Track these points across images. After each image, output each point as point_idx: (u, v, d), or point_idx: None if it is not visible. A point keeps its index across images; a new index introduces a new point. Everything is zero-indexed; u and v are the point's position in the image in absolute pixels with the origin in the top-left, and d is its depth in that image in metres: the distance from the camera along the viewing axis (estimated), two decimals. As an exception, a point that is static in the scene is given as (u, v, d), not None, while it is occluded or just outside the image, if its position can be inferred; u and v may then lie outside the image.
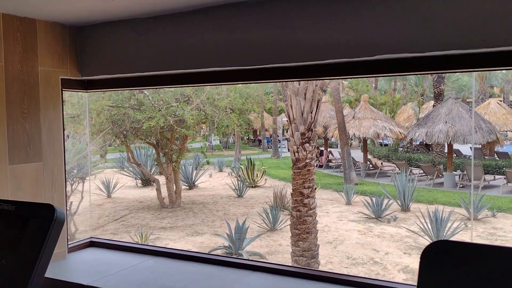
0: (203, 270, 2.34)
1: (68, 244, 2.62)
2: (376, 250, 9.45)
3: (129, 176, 17.75)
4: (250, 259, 3.65)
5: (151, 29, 2.35)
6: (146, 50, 2.38)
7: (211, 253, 8.81)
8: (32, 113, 2.34)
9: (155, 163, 15.51)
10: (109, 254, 2.64)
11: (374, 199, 11.99)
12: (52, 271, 2.31)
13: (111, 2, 2.10)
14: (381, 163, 20.96)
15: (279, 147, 28.03)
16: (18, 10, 2.18)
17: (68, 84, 2.58)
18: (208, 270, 2.34)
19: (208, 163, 19.12)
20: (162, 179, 14.55)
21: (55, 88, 2.48)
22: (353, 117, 20.72)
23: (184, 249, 2.67)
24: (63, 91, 2.55)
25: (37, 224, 1.31)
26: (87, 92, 2.73)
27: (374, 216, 11.89)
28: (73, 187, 10.88)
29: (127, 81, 2.58)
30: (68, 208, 10.56)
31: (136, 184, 17.83)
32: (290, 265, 7.43)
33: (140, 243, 9.08)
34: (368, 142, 23.74)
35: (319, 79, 7.88)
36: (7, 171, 2.21)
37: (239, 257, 7.38)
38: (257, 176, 17.51)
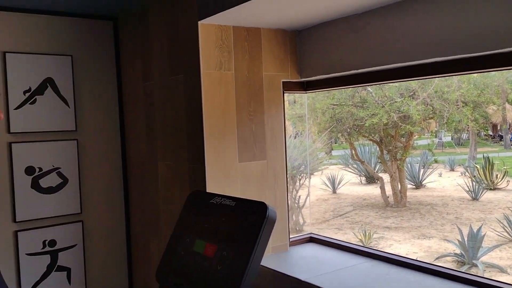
0: (424, 282, 2.13)
1: (289, 238, 2.77)
2: None
3: (353, 173, 17.93)
4: (485, 276, 3.22)
5: (368, 24, 2.27)
6: (362, 46, 2.31)
7: (435, 263, 8.15)
8: (257, 115, 2.55)
9: (379, 161, 15.26)
10: (326, 252, 2.68)
11: None
12: (275, 263, 2.47)
13: (327, 3, 2.10)
14: None
15: (527, 144, 23.98)
16: (245, 21, 2.41)
17: (289, 87, 2.72)
18: (429, 283, 2.11)
19: (436, 161, 17.77)
20: (386, 177, 14.21)
21: (277, 91, 2.65)
22: None
23: (402, 255, 2.49)
24: (284, 93, 2.71)
25: (252, 221, 1.41)
26: (305, 93, 2.83)
27: None
28: (301, 182, 11.64)
29: (343, 79, 2.56)
30: (296, 201, 11.39)
31: (360, 181, 17.89)
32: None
33: (357, 244, 9.11)
34: None
35: None
36: (237, 168, 2.47)
37: (469, 273, 6.62)
38: (496, 177, 15.34)
